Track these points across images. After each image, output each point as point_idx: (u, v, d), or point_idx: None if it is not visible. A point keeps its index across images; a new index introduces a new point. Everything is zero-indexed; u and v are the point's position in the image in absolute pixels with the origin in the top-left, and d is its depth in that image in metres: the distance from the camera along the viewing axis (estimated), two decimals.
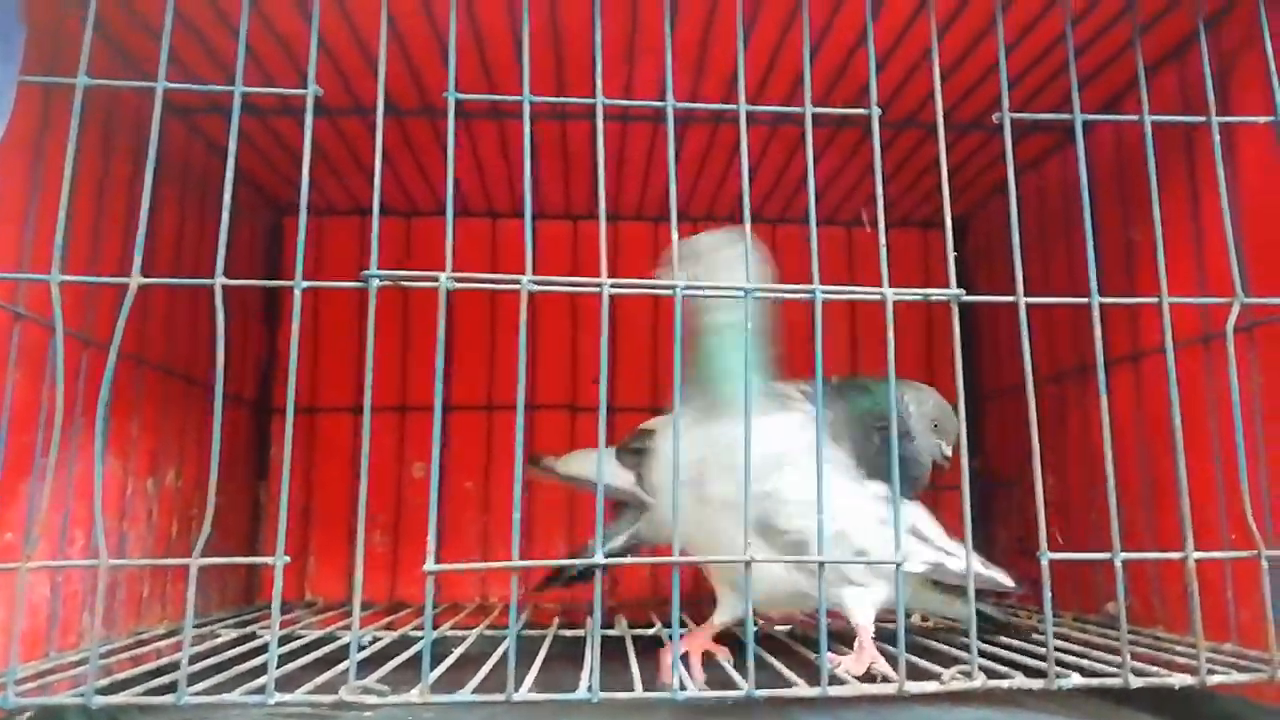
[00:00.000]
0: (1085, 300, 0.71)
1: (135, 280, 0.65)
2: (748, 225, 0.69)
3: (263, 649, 0.86)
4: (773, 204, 1.44)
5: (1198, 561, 0.67)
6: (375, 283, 0.66)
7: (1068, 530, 1.18)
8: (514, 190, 1.38)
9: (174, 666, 0.78)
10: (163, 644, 0.90)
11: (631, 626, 1.02)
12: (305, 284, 0.66)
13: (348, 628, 1.01)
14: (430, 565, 0.62)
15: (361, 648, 0.92)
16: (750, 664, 0.63)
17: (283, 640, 0.93)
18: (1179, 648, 0.82)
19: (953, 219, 1.50)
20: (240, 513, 1.32)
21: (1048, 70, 1.02)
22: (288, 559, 0.63)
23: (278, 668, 0.75)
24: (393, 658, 0.79)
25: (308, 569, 1.37)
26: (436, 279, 0.65)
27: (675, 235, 0.68)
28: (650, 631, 1.01)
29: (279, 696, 0.62)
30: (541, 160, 1.29)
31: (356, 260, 1.37)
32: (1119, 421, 1.09)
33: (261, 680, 0.63)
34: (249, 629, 0.98)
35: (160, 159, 1.02)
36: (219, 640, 0.92)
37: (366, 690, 0.62)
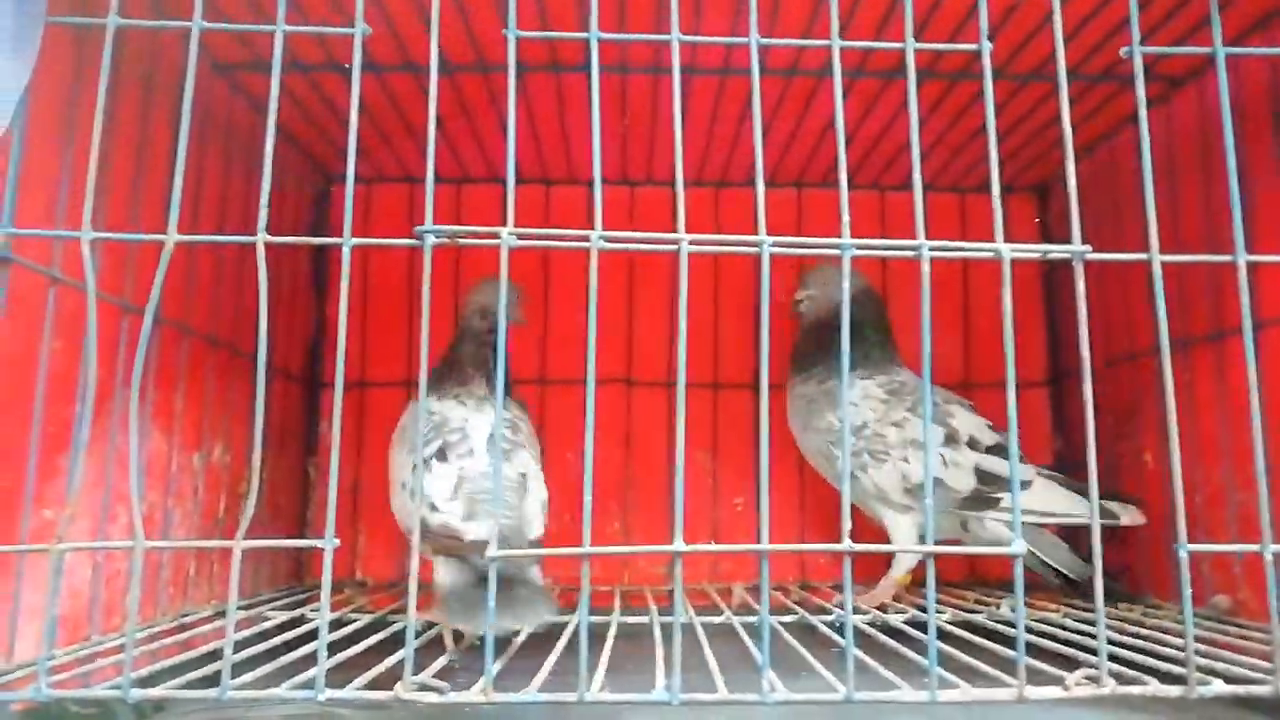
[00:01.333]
0: (1229, 258, 0.62)
1: (172, 238, 0.60)
2: (843, 168, 0.62)
3: (312, 635, 0.81)
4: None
5: None
6: (431, 239, 0.59)
7: (1169, 516, 1.08)
8: (570, 155, 1.31)
9: (220, 653, 0.74)
10: (208, 628, 0.86)
11: (700, 613, 0.96)
12: (355, 241, 0.60)
13: (400, 610, 0.97)
14: (493, 551, 0.56)
15: (417, 634, 0.88)
16: (850, 665, 0.57)
17: (333, 625, 0.88)
18: None
19: (1031, 187, 1.45)
20: (289, 490, 1.28)
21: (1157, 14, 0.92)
22: (337, 542, 0.58)
23: (328, 656, 0.71)
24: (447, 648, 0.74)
25: (358, 548, 1.32)
26: (498, 235, 0.59)
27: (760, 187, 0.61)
28: (718, 619, 0.94)
29: (330, 693, 0.56)
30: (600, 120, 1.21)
31: (405, 229, 1.31)
32: (1211, 401, 1.00)
33: (310, 673, 0.58)
34: (298, 611, 0.93)
35: (203, 120, 0.97)
36: (267, 625, 0.88)
37: (424, 687, 0.56)
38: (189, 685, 0.60)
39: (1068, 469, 1.35)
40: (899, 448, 1.09)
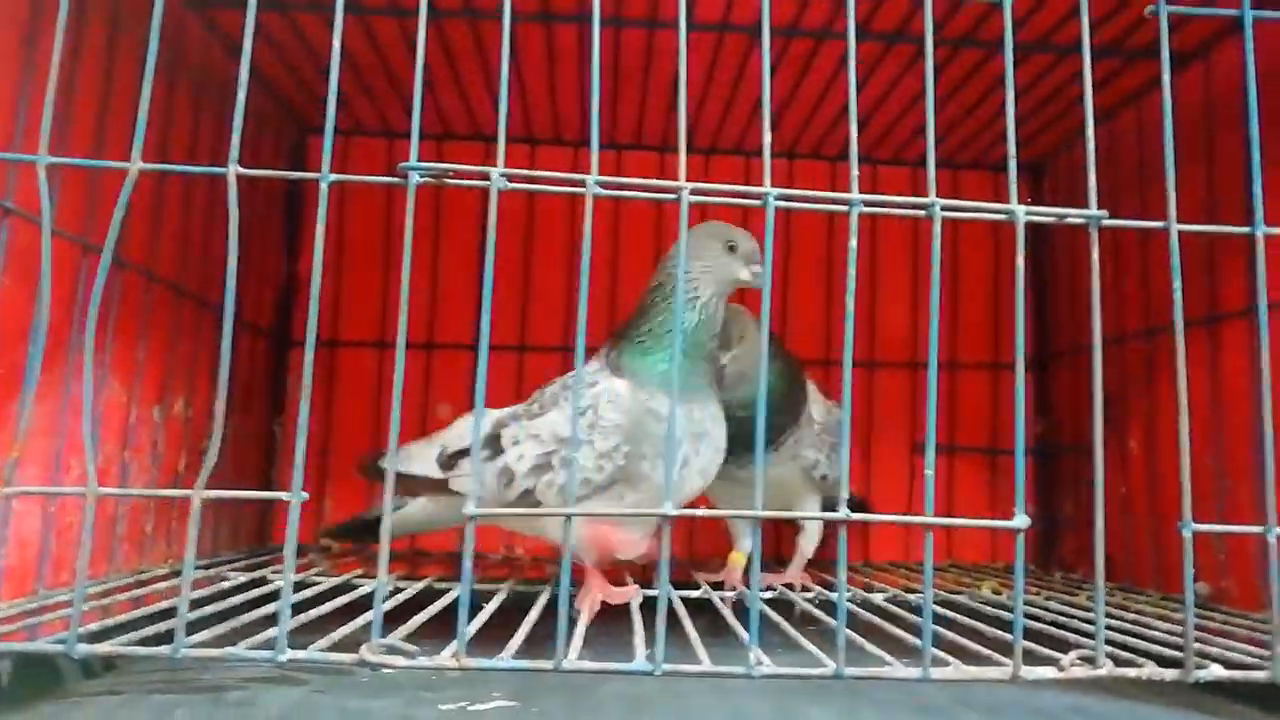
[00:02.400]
0: (1248, 230, 0.60)
1: (136, 165, 0.56)
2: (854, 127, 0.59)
3: (273, 596, 0.78)
4: (840, 133, 1.32)
5: None
6: (415, 178, 0.56)
7: (1155, 501, 1.08)
8: (557, 113, 1.27)
9: (176, 611, 0.71)
10: (164, 585, 0.82)
11: (677, 588, 0.93)
12: (334, 177, 0.56)
13: (366, 575, 0.94)
14: (470, 509, 0.53)
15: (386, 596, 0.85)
16: (841, 640, 0.54)
17: (296, 587, 0.85)
18: None
19: (1026, 164, 1.43)
20: (254, 448, 1.24)
21: None
22: (305, 495, 0.54)
23: (295, 616, 0.68)
24: (417, 611, 0.71)
25: (324, 511, 1.29)
26: (488, 175, 0.55)
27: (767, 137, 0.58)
28: (696, 593, 0.92)
29: (291, 654, 0.53)
30: (587, 77, 1.17)
31: (384, 191, 1.27)
32: (1202, 385, 0.98)
33: (271, 633, 0.54)
34: (259, 573, 0.90)
35: (174, 59, 0.92)
36: (226, 584, 0.84)
37: (392, 650, 0.53)
38: (142, 643, 0.56)
39: (1050, 453, 1.34)
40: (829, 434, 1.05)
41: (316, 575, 0.92)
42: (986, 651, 0.61)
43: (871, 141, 1.33)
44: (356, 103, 1.24)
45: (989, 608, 0.84)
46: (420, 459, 0.92)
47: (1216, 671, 0.57)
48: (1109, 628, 0.72)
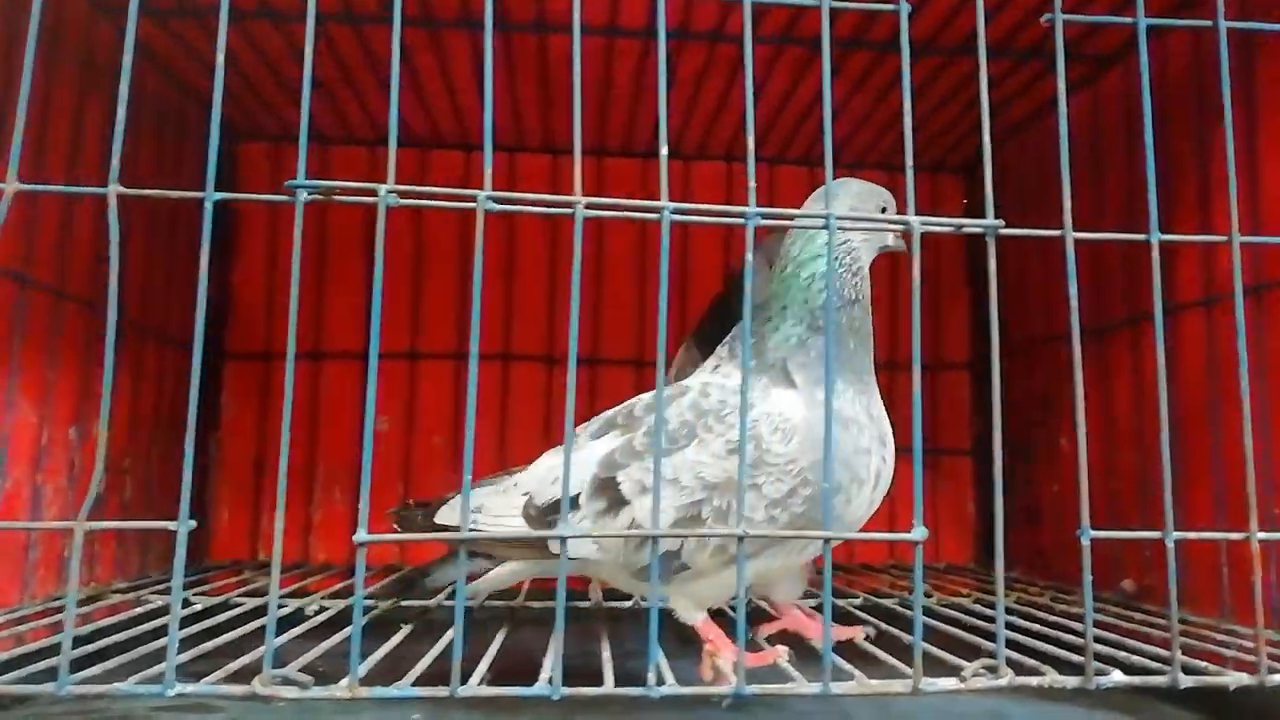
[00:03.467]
0: (1144, 237, 0.60)
1: (11, 185, 0.54)
2: (751, 147, 0.58)
3: (190, 621, 0.77)
4: (774, 137, 1.32)
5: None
6: (304, 195, 0.55)
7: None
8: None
9: (95, 638, 0.69)
10: (82, 611, 0.80)
11: (607, 598, 0.93)
12: (217, 196, 0.55)
13: (299, 595, 0.92)
14: (361, 535, 0.52)
15: (306, 618, 0.84)
16: (741, 656, 0.54)
17: (216, 610, 0.83)
18: (1219, 636, 0.73)
19: (959, 168, 1.43)
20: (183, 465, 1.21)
21: None
22: (192, 524, 0.53)
23: (195, 646, 0.66)
24: (337, 632, 0.70)
25: (260, 527, 1.27)
26: (375, 192, 0.54)
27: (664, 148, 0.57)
28: (628, 604, 0.91)
29: (180, 688, 0.52)
30: (520, 85, 1.17)
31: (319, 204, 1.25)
32: (1134, 387, 0.99)
33: (161, 667, 0.53)
34: (184, 594, 0.88)
35: (88, 69, 0.90)
36: (139, 610, 0.82)
37: (286, 681, 0.52)
38: (29, 679, 0.55)
39: (989, 452, 1.35)
40: None
41: (240, 597, 0.90)
42: (895, 662, 0.61)
43: (808, 143, 1.33)
44: (284, 109, 1.22)
45: (910, 613, 0.84)
46: (496, 512, 0.73)
47: (1117, 678, 0.57)
48: (1027, 632, 0.73)
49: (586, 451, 0.70)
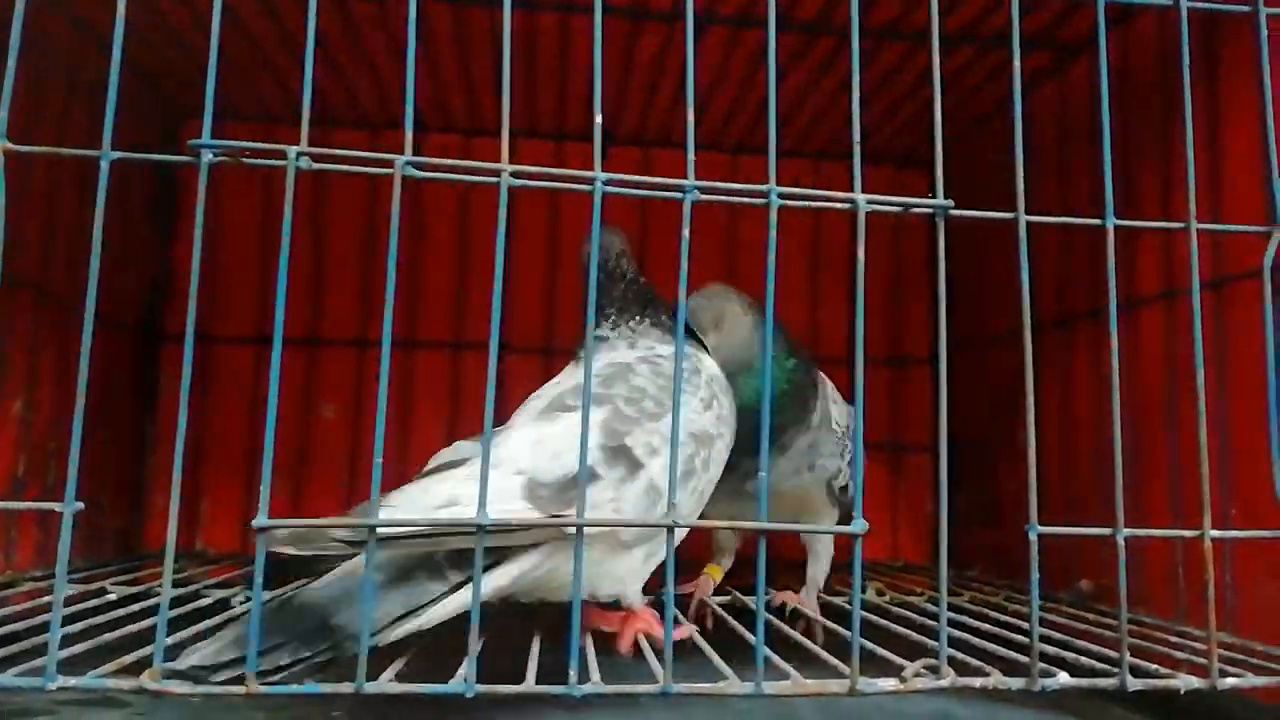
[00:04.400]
0: (1098, 222, 0.58)
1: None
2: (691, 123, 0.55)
3: (103, 610, 0.73)
4: (734, 128, 1.30)
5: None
6: (208, 155, 0.51)
7: (1046, 496, 1.06)
8: (474, 100, 1.22)
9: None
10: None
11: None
12: (114, 155, 0.51)
13: (227, 585, 0.88)
14: (261, 520, 0.48)
15: (230, 608, 0.80)
16: (668, 652, 0.51)
17: (133, 599, 0.79)
18: (1171, 638, 0.71)
19: (926, 158, 1.41)
20: (121, 449, 1.17)
21: None
22: (79, 505, 0.49)
23: (99, 636, 0.63)
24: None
25: (200, 515, 1.22)
26: (285, 154, 0.50)
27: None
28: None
29: (62, 680, 0.48)
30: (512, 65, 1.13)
31: (263, 174, 1.21)
32: (1095, 381, 0.98)
33: (42, 660, 0.49)
34: (96, 585, 0.84)
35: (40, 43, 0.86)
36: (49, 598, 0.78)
37: (177, 675, 0.48)
38: None
39: (949, 448, 1.33)
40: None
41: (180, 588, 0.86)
42: (835, 662, 0.58)
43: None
44: (231, 86, 1.18)
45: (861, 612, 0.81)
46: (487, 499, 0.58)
47: (1064, 680, 0.55)
48: (975, 632, 0.70)
49: (563, 424, 0.67)
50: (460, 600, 0.56)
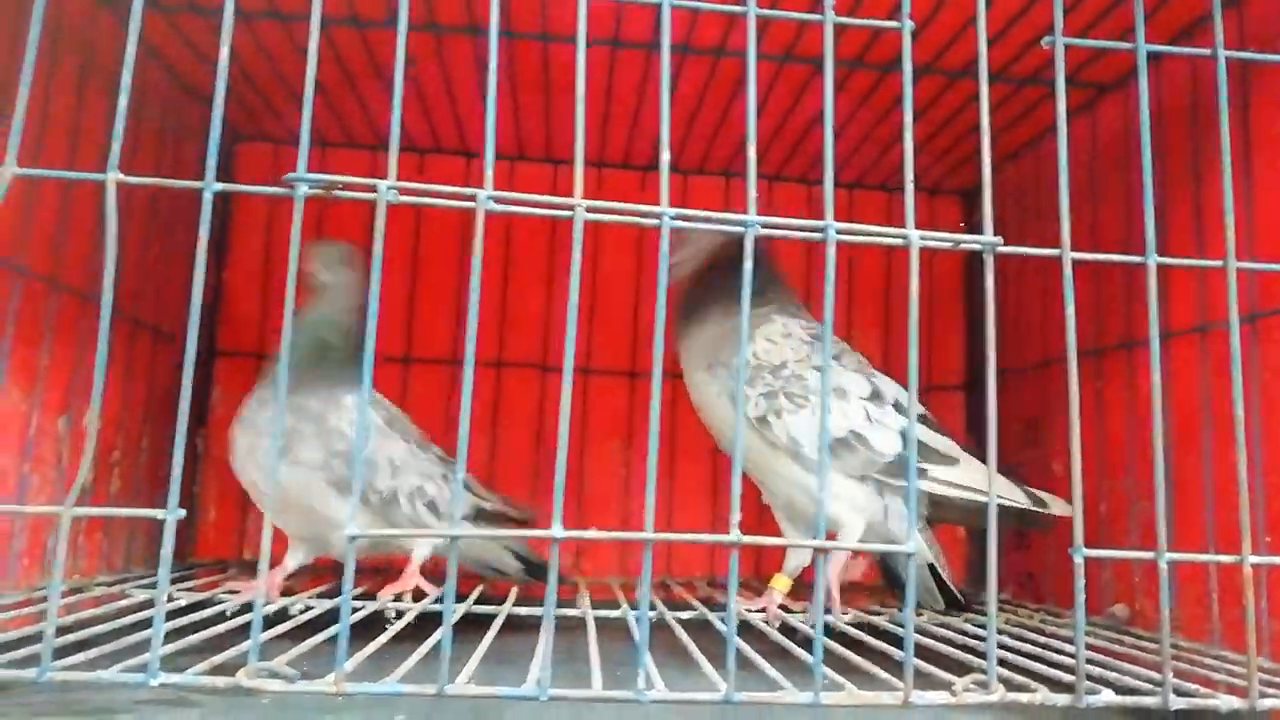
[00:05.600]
0: (1140, 259, 0.60)
1: (9, 170, 0.54)
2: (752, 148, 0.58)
3: (173, 616, 0.76)
4: (773, 155, 1.33)
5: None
6: (304, 189, 0.54)
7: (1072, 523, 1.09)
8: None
9: (78, 628, 0.68)
10: (65, 602, 0.79)
11: (596, 606, 0.92)
12: (217, 187, 0.55)
13: (285, 594, 0.91)
14: (350, 530, 0.52)
15: (289, 617, 0.83)
16: (731, 664, 0.53)
17: (197, 606, 0.83)
18: (1209, 660, 0.73)
19: (957, 190, 1.44)
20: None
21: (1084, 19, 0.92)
22: (181, 513, 0.53)
23: (177, 640, 0.66)
24: (320, 632, 0.69)
25: (247, 525, 1.26)
26: (375, 188, 0.54)
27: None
28: (616, 613, 0.90)
29: (164, 677, 0.51)
30: (520, 93, 1.17)
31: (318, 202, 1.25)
32: (1127, 411, 1.00)
33: (145, 657, 0.52)
34: (169, 589, 0.87)
35: (89, 61, 0.90)
36: (123, 603, 0.81)
37: (272, 674, 0.52)
38: (8, 665, 0.54)
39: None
40: (819, 394, 0.92)
41: (224, 594, 0.89)
42: (886, 676, 0.61)
43: (808, 162, 1.34)
44: (287, 112, 1.23)
45: (902, 630, 0.84)
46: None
47: (1109, 697, 0.57)
48: (1016, 651, 0.73)
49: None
50: None
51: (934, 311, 1.38)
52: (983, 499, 0.90)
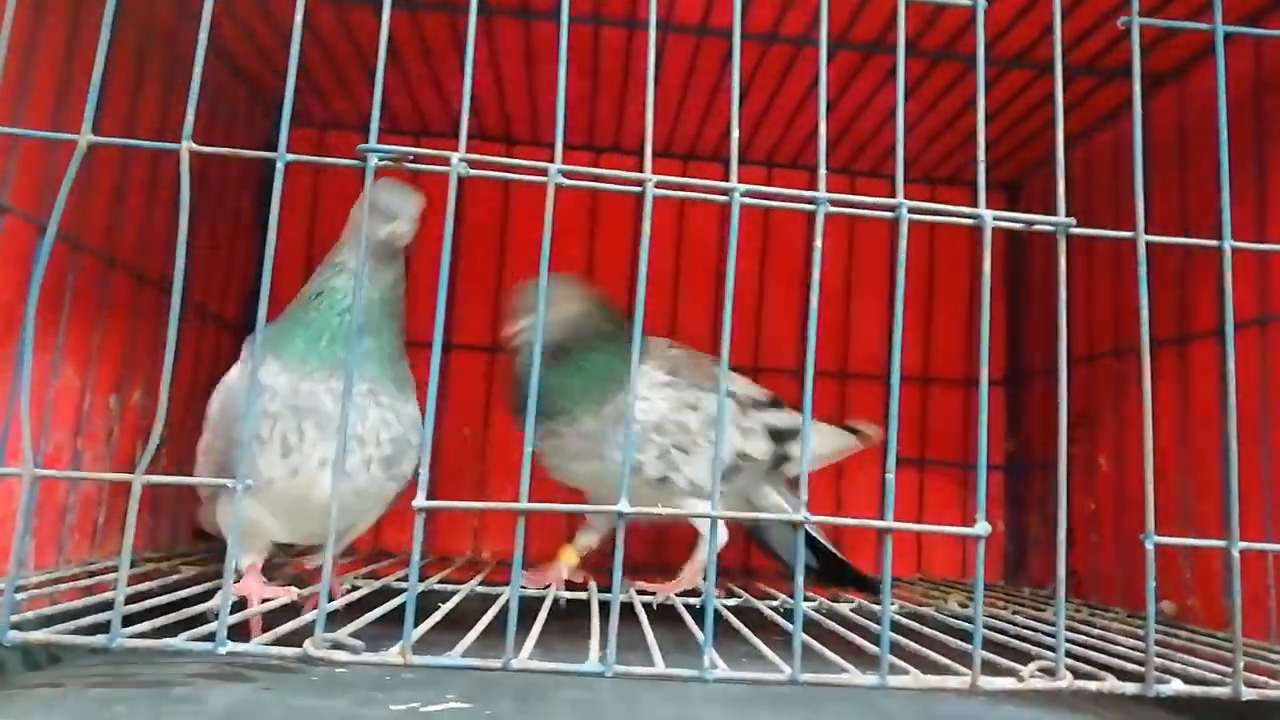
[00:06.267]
0: (1216, 244, 0.59)
1: (85, 138, 0.54)
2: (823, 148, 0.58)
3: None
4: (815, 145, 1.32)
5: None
6: (374, 160, 0.54)
7: (1122, 518, 1.08)
8: (536, 110, 1.26)
9: (134, 600, 0.69)
10: (114, 576, 0.80)
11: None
12: (290, 157, 0.55)
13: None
14: (420, 501, 0.52)
15: (338, 596, 0.83)
16: (797, 645, 0.53)
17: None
18: (1272, 655, 0.72)
19: (1002, 184, 1.43)
20: None
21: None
22: (249, 483, 0.53)
23: (242, 610, 0.66)
24: (373, 609, 0.69)
25: None
26: (448, 160, 0.54)
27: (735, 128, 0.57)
28: (654, 598, 0.90)
29: (231, 646, 0.51)
30: (568, 78, 1.16)
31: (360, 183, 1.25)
32: (1171, 406, 0.98)
33: (214, 626, 0.53)
34: (213, 566, 0.88)
35: (146, 35, 0.91)
36: (176, 577, 0.82)
37: (337, 645, 0.52)
38: (78, 632, 0.54)
39: (1020, 470, 1.34)
40: (704, 431, 0.95)
41: (276, 573, 0.89)
42: (946, 662, 0.60)
43: (851, 152, 1.33)
44: (333, 96, 1.23)
45: (953, 620, 0.83)
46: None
47: (1178, 686, 0.56)
48: (1073, 642, 0.72)
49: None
50: None
51: (975, 304, 1.37)
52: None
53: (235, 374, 0.81)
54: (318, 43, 1.08)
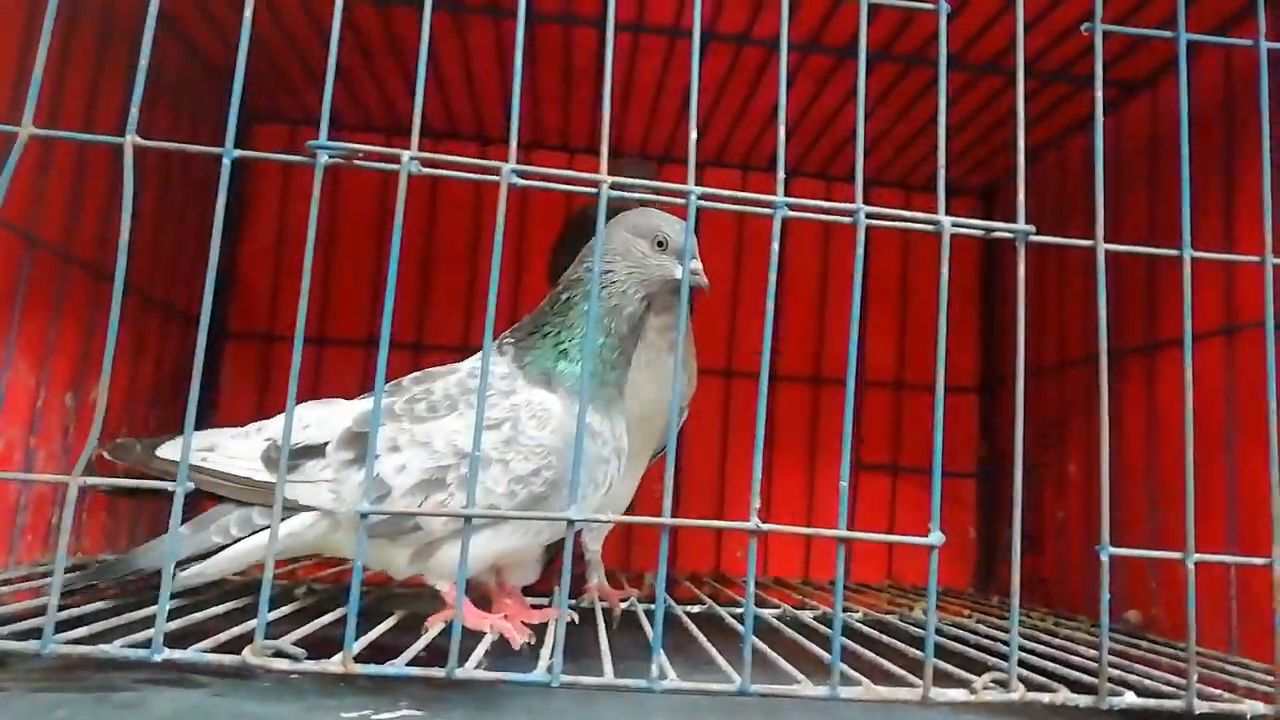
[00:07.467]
0: (1176, 252, 0.59)
1: (26, 130, 0.53)
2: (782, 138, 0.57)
3: (175, 596, 0.75)
4: (790, 150, 1.32)
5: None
6: (324, 157, 0.53)
7: (1091, 526, 1.07)
8: (508, 110, 1.25)
9: (81, 604, 0.67)
10: (69, 578, 0.78)
11: (603, 599, 0.91)
12: (236, 153, 0.54)
13: (286, 577, 0.91)
14: (362, 507, 0.50)
15: (293, 599, 0.82)
16: (748, 655, 0.52)
17: (199, 588, 0.81)
18: (1229, 666, 0.72)
19: (975, 190, 1.43)
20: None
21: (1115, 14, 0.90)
22: (190, 486, 0.51)
23: (180, 618, 0.65)
24: (320, 617, 0.68)
25: None
26: (398, 158, 0.53)
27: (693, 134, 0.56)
28: (623, 605, 0.90)
29: (169, 653, 0.50)
30: (539, 77, 1.16)
31: (331, 178, 1.24)
32: (1139, 415, 0.98)
33: (149, 633, 0.51)
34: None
35: (108, 24, 0.89)
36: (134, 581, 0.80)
37: (279, 653, 0.50)
38: (10, 637, 0.53)
39: (993, 476, 1.34)
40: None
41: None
42: (901, 672, 0.59)
43: (825, 156, 1.32)
44: (305, 92, 1.22)
45: (915, 628, 0.82)
46: (231, 454, 0.71)
47: (1131, 699, 0.56)
48: (1033, 652, 0.71)
49: (346, 407, 0.73)
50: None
51: (950, 311, 1.37)
52: None
53: (559, 409, 0.70)
54: (288, 39, 1.07)
